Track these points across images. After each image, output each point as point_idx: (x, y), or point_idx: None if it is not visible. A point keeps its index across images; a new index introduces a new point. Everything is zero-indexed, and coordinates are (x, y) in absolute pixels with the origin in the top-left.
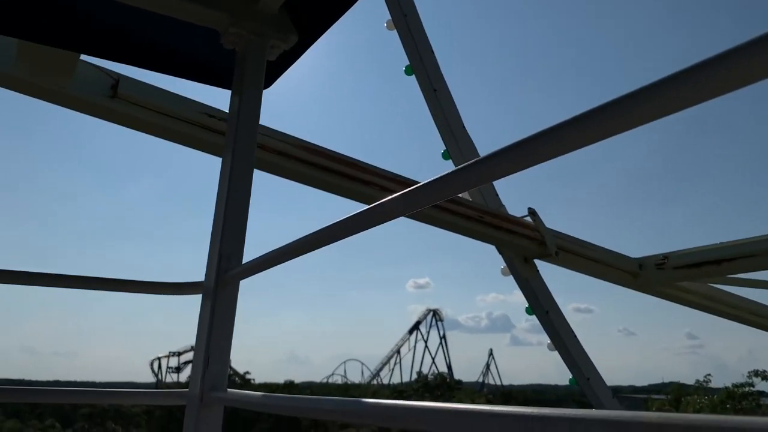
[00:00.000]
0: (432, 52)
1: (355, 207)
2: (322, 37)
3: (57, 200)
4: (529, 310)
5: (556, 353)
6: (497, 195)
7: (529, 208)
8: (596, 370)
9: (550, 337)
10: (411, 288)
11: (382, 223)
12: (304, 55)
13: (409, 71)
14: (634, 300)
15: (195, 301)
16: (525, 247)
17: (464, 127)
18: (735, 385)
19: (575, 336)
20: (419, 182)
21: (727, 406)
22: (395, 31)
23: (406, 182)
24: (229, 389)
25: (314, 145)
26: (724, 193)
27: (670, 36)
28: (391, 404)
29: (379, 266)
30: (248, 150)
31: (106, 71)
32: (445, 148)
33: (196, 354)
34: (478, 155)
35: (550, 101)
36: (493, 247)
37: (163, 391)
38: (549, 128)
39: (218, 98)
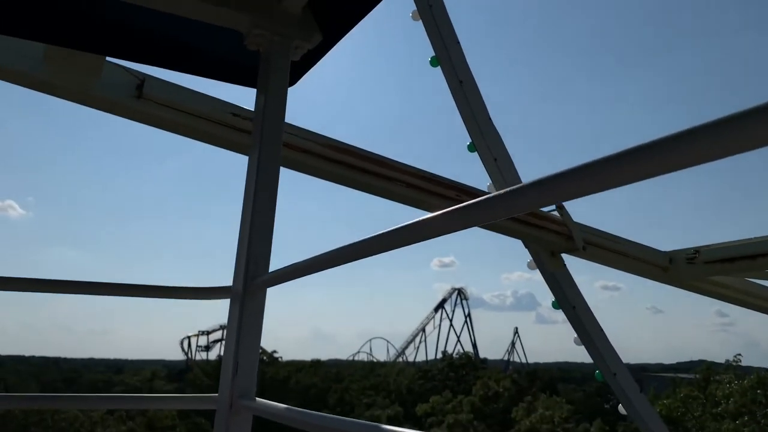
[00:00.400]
0: (458, 43)
1: (382, 203)
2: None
3: (87, 180)
4: (556, 305)
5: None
6: None
7: (557, 203)
8: (623, 365)
9: (576, 332)
10: (436, 266)
11: (417, 242)
12: (329, 52)
13: (434, 63)
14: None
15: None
16: (552, 241)
17: (490, 119)
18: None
19: (602, 330)
20: (444, 178)
21: (758, 391)
22: (420, 22)
23: (432, 178)
24: (258, 399)
25: (340, 142)
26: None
27: None
28: None
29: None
30: (274, 149)
31: (132, 72)
32: (470, 140)
33: (225, 360)
34: (505, 148)
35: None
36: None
37: (194, 397)
38: (624, 151)
39: (244, 98)
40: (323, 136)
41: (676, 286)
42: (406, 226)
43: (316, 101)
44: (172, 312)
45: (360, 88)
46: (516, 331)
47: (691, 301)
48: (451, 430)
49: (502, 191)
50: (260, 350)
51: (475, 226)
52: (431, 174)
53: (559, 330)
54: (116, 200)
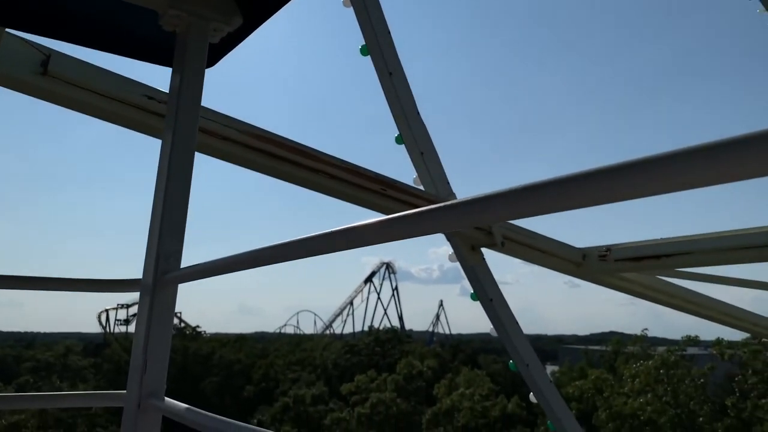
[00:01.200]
0: (389, 33)
1: (306, 194)
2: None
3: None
4: (474, 296)
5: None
6: (448, 183)
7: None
8: (536, 356)
9: (493, 323)
10: None
11: (341, 250)
12: (253, 34)
13: (364, 51)
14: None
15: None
16: (472, 236)
17: (418, 113)
18: (669, 350)
19: (517, 323)
20: (368, 170)
21: (661, 371)
22: (351, 9)
23: (355, 170)
24: (167, 398)
25: (261, 130)
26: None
27: None
28: None
29: (333, 217)
30: (189, 133)
31: (37, 46)
32: (398, 132)
33: (134, 357)
34: (431, 142)
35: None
36: None
37: (99, 394)
38: (558, 178)
39: (160, 79)
40: (245, 123)
41: (588, 281)
42: (331, 232)
43: (240, 83)
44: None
45: (287, 71)
46: (441, 304)
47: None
48: (374, 408)
49: (433, 207)
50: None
51: (404, 239)
52: (354, 165)
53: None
54: (31, 169)
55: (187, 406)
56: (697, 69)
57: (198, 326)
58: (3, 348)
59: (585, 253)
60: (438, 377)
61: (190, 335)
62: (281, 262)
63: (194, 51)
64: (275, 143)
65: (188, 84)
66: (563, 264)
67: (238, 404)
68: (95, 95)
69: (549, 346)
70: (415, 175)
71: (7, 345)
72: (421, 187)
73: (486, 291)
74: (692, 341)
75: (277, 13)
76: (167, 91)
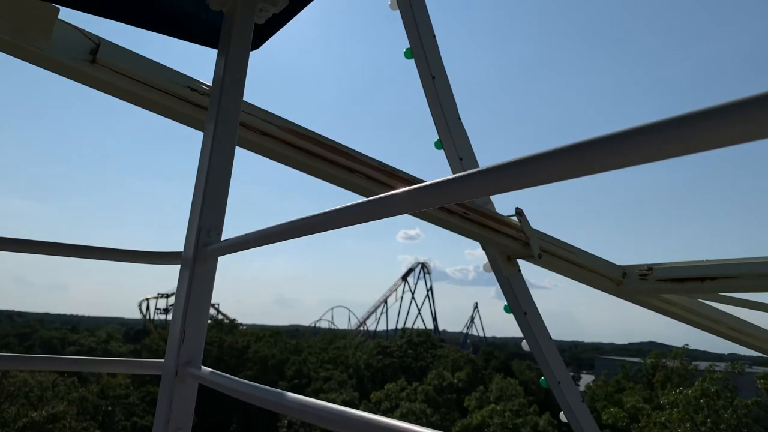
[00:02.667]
0: (434, 36)
1: (340, 192)
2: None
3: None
4: (508, 309)
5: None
6: None
7: (517, 208)
8: (568, 374)
9: (526, 337)
10: (401, 239)
11: (373, 220)
12: (296, 17)
13: (408, 55)
14: (622, 246)
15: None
16: (509, 246)
17: (459, 118)
18: (710, 375)
19: (550, 338)
20: (405, 173)
21: (701, 401)
22: (398, 12)
23: (393, 173)
24: (204, 367)
25: (300, 127)
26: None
27: None
28: (356, 416)
29: None
30: (233, 113)
31: (87, 34)
32: (438, 137)
33: (173, 327)
34: (471, 148)
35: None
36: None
37: (139, 361)
38: (560, 148)
39: (204, 71)
40: (284, 119)
41: (627, 300)
42: (365, 202)
43: (280, 69)
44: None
45: (326, 61)
46: (476, 306)
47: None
48: (404, 418)
49: (439, 180)
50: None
51: (436, 206)
52: (391, 168)
53: None
54: (74, 152)
55: (222, 374)
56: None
57: (235, 319)
58: (50, 330)
59: (625, 271)
60: (471, 384)
61: (226, 328)
62: (319, 231)
63: (240, 31)
64: (314, 141)
65: (233, 64)
66: (602, 281)
67: None
68: (140, 85)
69: (585, 354)
70: None
71: (54, 327)
72: None
73: (520, 304)
74: (736, 368)
75: None
76: (210, 84)
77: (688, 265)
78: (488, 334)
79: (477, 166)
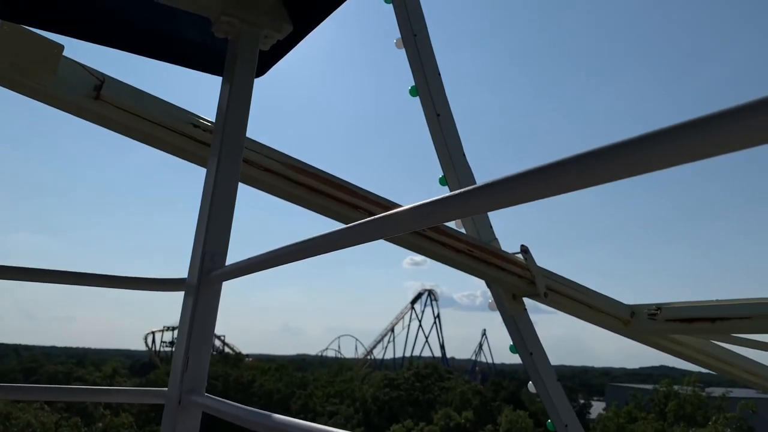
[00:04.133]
0: (439, 75)
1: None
2: (319, 26)
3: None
4: (513, 349)
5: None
6: (491, 227)
7: (522, 246)
8: (575, 416)
9: (532, 379)
10: (407, 265)
11: (370, 241)
12: (299, 44)
13: (414, 92)
14: (629, 281)
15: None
16: (514, 284)
17: (464, 155)
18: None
19: (557, 380)
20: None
21: None
22: (403, 50)
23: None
24: (207, 395)
25: (303, 163)
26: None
27: None
28: None
29: (376, 243)
30: (238, 140)
31: (91, 71)
32: (443, 173)
33: (176, 354)
34: (476, 184)
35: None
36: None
37: (141, 390)
38: (535, 168)
39: (207, 108)
40: (286, 155)
41: (635, 340)
42: (368, 221)
43: (283, 99)
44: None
45: (330, 86)
46: (483, 333)
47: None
48: None
49: (424, 201)
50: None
51: (438, 223)
52: (396, 204)
53: None
54: (83, 186)
55: (226, 401)
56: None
57: (240, 352)
58: (56, 364)
59: (633, 311)
60: (480, 420)
61: (232, 361)
62: (322, 253)
63: (245, 58)
64: (316, 177)
65: (238, 91)
66: (609, 321)
67: None
68: (144, 121)
69: (596, 380)
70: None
71: (59, 361)
72: (463, 230)
73: (526, 344)
74: (750, 407)
75: (324, 21)
76: (212, 120)
77: (698, 305)
78: (497, 361)
79: None
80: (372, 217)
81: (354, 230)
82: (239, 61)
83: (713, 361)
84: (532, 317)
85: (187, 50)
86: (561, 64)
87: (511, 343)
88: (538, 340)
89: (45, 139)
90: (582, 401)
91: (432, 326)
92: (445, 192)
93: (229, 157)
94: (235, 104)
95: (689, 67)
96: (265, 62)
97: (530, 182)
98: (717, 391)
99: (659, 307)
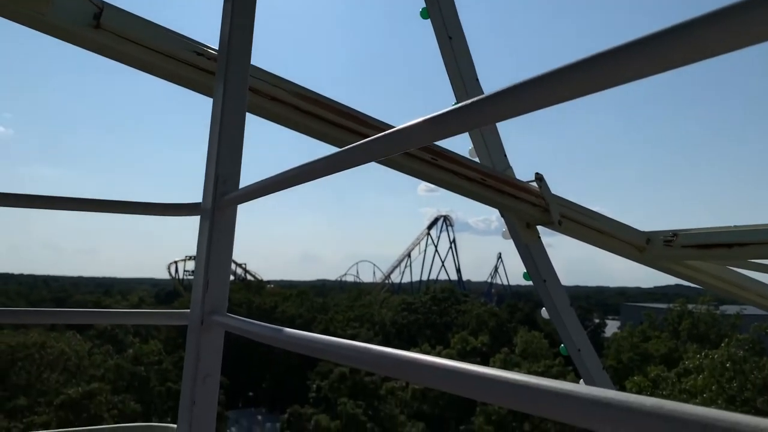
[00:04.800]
0: None
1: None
2: None
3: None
4: (527, 276)
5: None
6: (505, 156)
7: (536, 174)
8: (588, 341)
9: (545, 305)
10: (422, 192)
11: (383, 157)
12: None
13: (425, 14)
14: (645, 199)
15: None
16: (528, 213)
17: (477, 79)
18: (737, 338)
19: (570, 306)
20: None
21: (727, 365)
22: None
23: None
24: (229, 314)
25: (310, 91)
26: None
27: None
28: (389, 353)
29: (391, 171)
30: (243, 59)
31: None
32: (455, 99)
33: (196, 277)
34: None
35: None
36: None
37: (164, 312)
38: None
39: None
40: (293, 83)
41: (651, 267)
42: (380, 137)
43: (287, 28)
44: (160, 232)
45: (335, 21)
46: (499, 257)
47: (674, 223)
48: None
49: (431, 115)
50: (248, 276)
51: (450, 136)
52: None
53: None
54: (96, 116)
55: (248, 320)
56: None
57: (262, 279)
58: (84, 293)
59: (649, 237)
60: (495, 342)
61: (254, 288)
62: (335, 172)
63: None
64: (325, 106)
65: (241, 6)
66: (625, 248)
67: (300, 357)
68: (145, 50)
69: (611, 300)
70: (470, 146)
71: (88, 291)
72: (477, 159)
73: (540, 272)
74: (764, 329)
75: None
76: (217, 48)
77: (715, 230)
78: (512, 283)
79: (496, 131)
80: (383, 132)
81: (365, 147)
82: None
83: (729, 286)
84: (547, 239)
85: None
86: None
87: (525, 272)
88: (552, 268)
89: (50, 68)
90: (597, 320)
91: (448, 251)
92: None
93: (235, 75)
94: (239, 20)
95: None
96: None
97: (537, 88)
98: (731, 309)
99: (675, 233)
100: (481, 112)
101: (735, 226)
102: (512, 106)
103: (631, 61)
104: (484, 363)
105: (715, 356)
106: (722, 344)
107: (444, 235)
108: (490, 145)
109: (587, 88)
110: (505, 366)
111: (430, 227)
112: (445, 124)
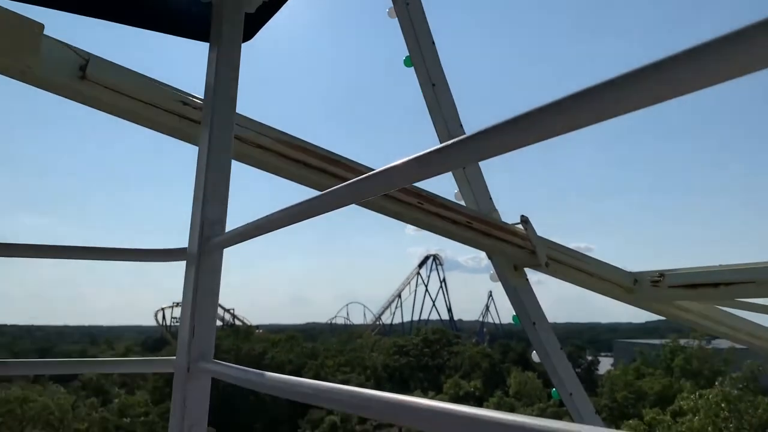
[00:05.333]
0: (433, 43)
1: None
2: None
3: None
4: (516, 319)
5: (557, 290)
6: (491, 198)
7: (522, 216)
8: (580, 384)
9: (536, 348)
10: (411, 231)
11: (368, 197)
12: (287, 5)
13: (408, 63)
14: (632, 238)
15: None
16: (515, 255)
17: (461, 125)
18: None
19: (561, 349)
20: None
21: (722, 405)
22: (396, 20)
23: None
24: (216, 361)
25: (295, 138)
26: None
27: None
28: (377, 396)
29: (372, 227)
30: (229, 108)
31: (76, 50)
32: (440, 144)
33: (182, 322)
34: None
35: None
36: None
37: (150, 360)
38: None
39: (196, 85)
40: (278, 131)
41: (639, 308)
42: (373, 174)
43: (271, 69)
44: (146, 278)
45: (320, 58)
46: (490, 295)
47: (659, 263)
48: None
49: (410, 157)
50: (236, 322)
51: (431, 176)
52: None
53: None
54: (84, 166)
55: (234, 366)
56: None
57: (251, 324)
58: (69, 343)
59: (636, 278)
60: (489, 384)
61: (242, 334)
62: (321, 213)
63: (230, 21)
64: (310, 153)
65: (226, 56)
66: (612, 289)
67: (290, 404)
68: (131, 100)
69: (603, 336)
70: (456, 190)
71: (73, 340)
72: (462, 202)
73: (529, 314)
74: (756, 366)
75: None
76: (202, 97)
77: (701, 270)
78: (504, 321)
79: (481, 175)
80: (369, 173)
81: (351, 187)
82: (225, 24)
83: (718, 326)
84: (538, 276)
85: (171, 17)
86: (554, 26)
87: (514, 314)
88: (541, 310)
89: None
90: (590, 358)
91: (438, 290)
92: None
93: (221, 122)
94: (224, 70)
95: None
96: (253, 25)
97: (518, 128)
98: (723, 344)
99: (662, 273)
100: (463, 151)
101: (720, 266)
102: (491, 146)
103: (604, 100)
104: (480, 403)
105: (710, 396)
106: (716, 383)
107: (434, 274)
108: (475, 189)
109: (573, 124)
110: (499, 410)
111: (419, 266)
112: (428, 164)
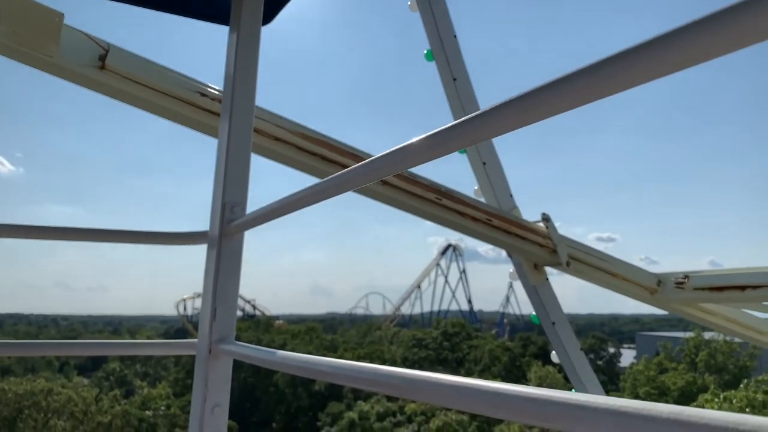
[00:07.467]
0: (455, 37)
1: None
2: None
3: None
4: (535, 318)
5: (575, 283)
6: (511, 195)
7: (543, 214)
8: (599, 385)
9: (555, 348)
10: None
11: (387, 175)
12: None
13: (429, 57)
14: (656, 228)
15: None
16: (535, 253)
17: None
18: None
19: (580, 349)
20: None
21: (747, 410)
22: (418, 13)
23: (410, 178)
24: (237, 342)
25: (312, 131)
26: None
27: None
28: (395, 373)
29: (394, 221)
30: (249, 90)
31: (96, 40)
32: None
33: (203, 305)
34: (495, 152)
35: None
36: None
37: (172, 342)
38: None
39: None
40: (296, 123)
41: (663, 309)
42: (389, 153)
43: (288, 61)
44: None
45: (341, 50)
46: (510, 285)
47: (684, 251)
48: (440, 430)
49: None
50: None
51: (450, 153)
52: (409, 173)
53: (554, 281)
54: (110, 155)
55: (255, 347)
56: None
57: (271, 315)
58: (93, 333)
59: (660, 279)
60: (509, 375)
61: (263, 326)
62: (340, 193)
63: (250, 2)
64: (327, 146)
65: (245, 39)
66: (635, 290)
67: (310, 396)
68: (150, 90)
69: (626, 327)
70: (476, 186)
71: (96, 329)
72: (482, 199)
73: (548, 314)
74: None
75: None
76: (220, 89)
77: (727, 272)
78: (524, 312)
79: (502, 171)
80: (386, 151)
81: (369, 166)
82: (245, 6)
83: (744, 329)
84: (551, 271)
85: (190, 1)
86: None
87: (533, 314)
88: (561, 310)
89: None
90: (612, 350)
91: (458, 280)
92: (463, 159)
93: (240, 115)
94: (244, 52)
95: None
96: (272, 8)
97: (532, 101)
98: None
99: (687, 275)
100: (480, 126)
101: (747, 268)
102: (506, 122)
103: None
104: None
105: (734, 401)
106: (741, 385)
107: (454, 264)
108: (496, 185)
109: (586, 97)
110: None
111: (439, 257)
112: (443, 142)
